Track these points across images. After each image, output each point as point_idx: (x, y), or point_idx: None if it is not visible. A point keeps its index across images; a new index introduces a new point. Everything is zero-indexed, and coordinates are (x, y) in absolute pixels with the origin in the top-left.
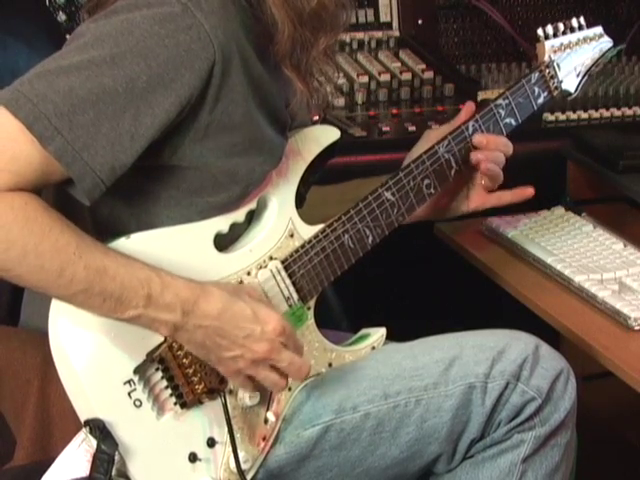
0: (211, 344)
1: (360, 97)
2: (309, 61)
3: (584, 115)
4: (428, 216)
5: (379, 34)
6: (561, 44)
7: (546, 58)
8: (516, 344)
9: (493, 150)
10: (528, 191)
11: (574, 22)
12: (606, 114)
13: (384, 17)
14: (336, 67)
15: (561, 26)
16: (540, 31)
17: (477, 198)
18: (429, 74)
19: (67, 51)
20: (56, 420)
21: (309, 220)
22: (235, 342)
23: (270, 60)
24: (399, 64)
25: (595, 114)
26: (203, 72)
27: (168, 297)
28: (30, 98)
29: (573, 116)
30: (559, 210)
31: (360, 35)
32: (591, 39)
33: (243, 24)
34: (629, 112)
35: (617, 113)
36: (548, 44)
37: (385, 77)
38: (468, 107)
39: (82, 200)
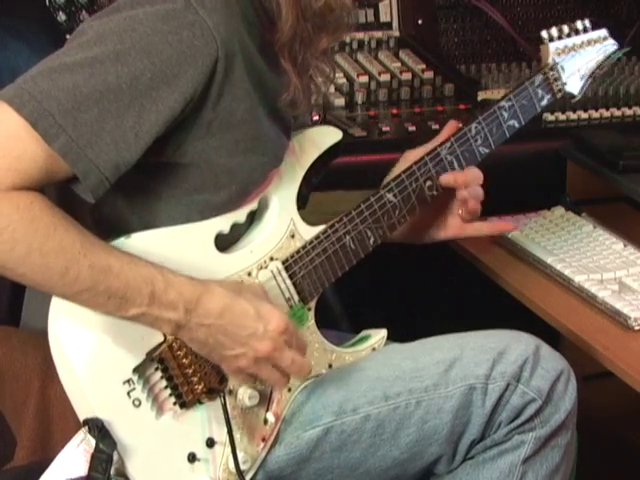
0: (214, 342)
1: (360, 97)
2: (306, 57)
3: (584, 115)
4: (404, 238)
5: (379, 34)
6: (565, 46)
7: (550, 60)
8: (516, 345)
9: (472, 185)
10: (508, 227)
11: (579, 24)
12: (606, 114)
13: (384, 17)
14: (334, 68)
15: (565, 28)
16: (544, 33)
17: (455, 227)
18: (429, 74)
19: (70, 49)
20: (56, 420)
21: None
22: (238, 341)
23: (272, 57)
24: (399, 64)
25: (595, 114)
26: (206, 68)
27: (171, 295)
28: (34, 95)
29: (573, 116)
30: (559, 210)
31: (360, 35)
32: (595, 41)
33: (246, 20)
34: (629, 112)
35: (617, 113)
36: (552, 46)
37: (385, 77)
38: (451, 125)
39: (86, 197)
